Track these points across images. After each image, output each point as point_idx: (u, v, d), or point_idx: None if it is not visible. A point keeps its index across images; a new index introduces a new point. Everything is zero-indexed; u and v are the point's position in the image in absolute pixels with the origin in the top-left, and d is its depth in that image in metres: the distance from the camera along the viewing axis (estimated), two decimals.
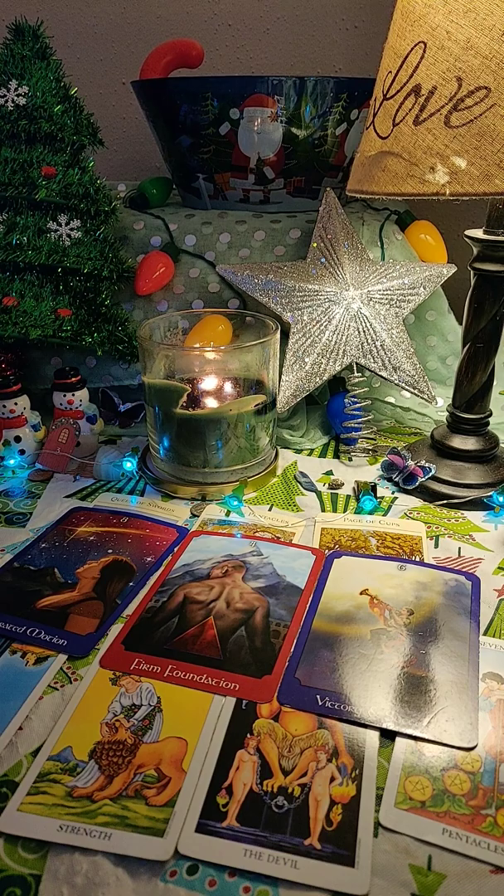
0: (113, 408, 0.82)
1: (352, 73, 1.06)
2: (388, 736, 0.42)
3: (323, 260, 0.77)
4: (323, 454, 0.78)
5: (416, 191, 0.52)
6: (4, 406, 0.74)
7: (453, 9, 0.49)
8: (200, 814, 0.37)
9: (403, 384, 0.74)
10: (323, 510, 0.67)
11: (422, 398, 0.75)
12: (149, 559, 0.59)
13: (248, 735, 0.42)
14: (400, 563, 0.58)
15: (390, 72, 0.54)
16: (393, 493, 0.70)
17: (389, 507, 0.67)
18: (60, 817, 0.37)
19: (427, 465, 0.68)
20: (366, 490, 0.67)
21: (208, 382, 0.71)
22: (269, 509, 0.68)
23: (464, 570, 0.57)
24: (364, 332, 0.74)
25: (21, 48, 0.71)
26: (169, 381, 0.68)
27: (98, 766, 0.40)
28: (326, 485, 0.71)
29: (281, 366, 0.73)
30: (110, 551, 0.60)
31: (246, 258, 0.81)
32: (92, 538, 0.62)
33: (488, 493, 0.65)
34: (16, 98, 0.71)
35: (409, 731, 0.42)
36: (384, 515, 0.66)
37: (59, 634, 0.50)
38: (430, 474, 0.68)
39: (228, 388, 0.72)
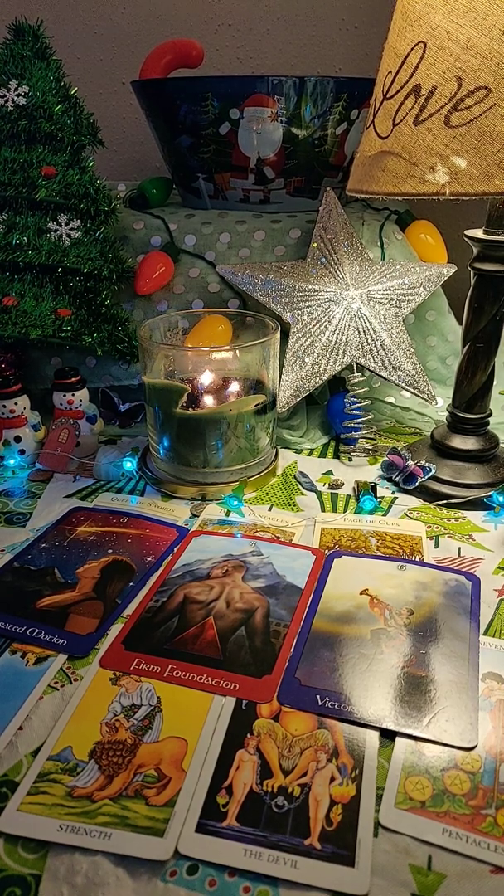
0: (113, 408, 0.82)
1: (352, 73, 1.06)
2: (388, 736, 0.42)
3: (323, 260, 0.77)
4: (323, 454, 0.78)
5: (416, 191, 0.52)
6: (4, 406, 0.74)
7: (453, 9, 0.49)
8: (200, 814, 0.37)
9: (403, 384, 0.74)
10: (323, 510, 0.67)
11: (422, 398, 0.75)
12: (149, 559, 0.59)
13: (248, 735, 0.42)
14: (400, 563, 0.58)
15: (390, 72, 0.54)
16: (393, 493, 0.70)
17: (389, 507, 0.67)
18: (60, 817, 0.37)
19: (427, 465, 0.68)
20: (366, 490, 0.67)
21: (208, 382, 0.71)
22: (269, 509, 0.68)
23: (464, 570, 0.57)
24: (364, 332, 0.74)
25: (21, 48, 0.71)
26: (169, 381, 0.68)
27: (98, 765, 0.40)
28: (326, 485, 0.71)
29: (281, 366, 0.73)
30: (110, 551, 0.60)
31: (246, 258, 0.81)
32: (92, 538, 0.62)
33: (488, 493, 0.65)
34: (16, 98, 0.71)
35: (409, 731, 0.42)
36: (384, 515, 0.66)
37: (59, 634, 0.50)
38: (430, 474, 0.68)
39: (228, 388, 0.72)
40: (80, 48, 1.10)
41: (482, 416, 0.68)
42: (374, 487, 0.68)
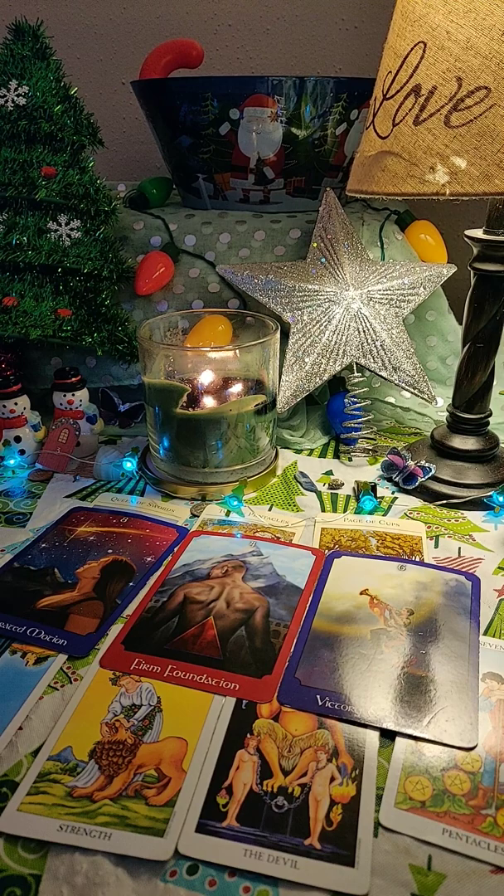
0: (113, 408, 0.82)
1: (352, 73, 1.06)
2: (388, 736, 0.42)
3: (323, 260, 0.77)
4: (323, 454, 0.78)
5: (416, 191, 0.52)
6: (4, 406, 0.74)
7: (453, 9, 0.49)
8: (200, 814, 0.37)
9: (403, 384, 0.74)
10: (323, 510, 0.67)
11: (422, 398, 0.75)
12: (149, 559, 0.59)
13: (248, 735, 0.42)
14: (400, 563, 0.58)
15: (390, 72, 0.54)
16: (393, 493, 0.70)
17: (389, 507, 0.67)
18: (60, 817, 0.37)
19: (427, 465, 0.68)
20: (366, 490, 0.67)
21: (208, 382, 0.71)
22: (269, 509, 0.68)
23: (464, 570, 0.57)
24: (364, 332, 0.74)
25: (21, 48, 0.71)
26: (169, 381, 0.68)
27: (98, 766, 0.40)
28: (326, 485, 0.71)
29: (281, 366, 0.73)
30: (110, 551, 0.60)
31: (246, 258, 0.81)
32: (92, 538, 0.62)
33: (488, 493, 0.65)
34: (16, 98, 0.71)
35: (409, 731, 0.42)
36: (384, 515, 0.66)
37: (59, 634, 0.50)
38: (430, 474, 0.68)
39: (228, 388, 0.72)
40: (80, 48, 1.10)
41: (482, 416, 0.68)
42: (374, 487, 0.68)
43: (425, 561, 0.59)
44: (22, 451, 0.74)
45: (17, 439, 0.74)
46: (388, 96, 0.54)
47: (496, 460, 0.69)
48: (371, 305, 0.76)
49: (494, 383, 0.67)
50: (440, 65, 0.50)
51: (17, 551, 0.60)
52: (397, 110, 0.53)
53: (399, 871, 0.35)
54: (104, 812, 0.37)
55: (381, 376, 0.74)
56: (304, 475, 0.72)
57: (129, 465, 0.72)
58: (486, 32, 0.48)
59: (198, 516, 0.66)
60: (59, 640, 0.49)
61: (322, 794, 0.38)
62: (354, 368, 0.75)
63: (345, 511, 0.67)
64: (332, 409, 0.80)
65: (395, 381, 0.74)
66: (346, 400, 0.76)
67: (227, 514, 0.66)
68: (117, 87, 1.12)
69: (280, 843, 0.36)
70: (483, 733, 0.42)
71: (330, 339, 0.74)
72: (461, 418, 0.68)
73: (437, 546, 0.61)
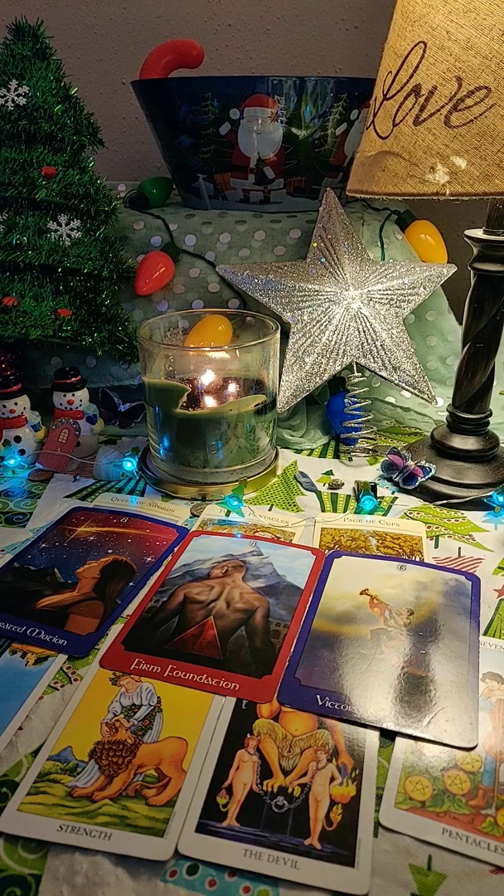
0: (113, 408, 0.82)
1: (352, 73, 1.06)
2: (388, 736, 0.42)
3: (323, 260, 0.77)
4: (323, 454, 0.78)
5: (416, 191, 0.52)
6: (4, 406, 0.74)
7: (453, 9, 0.49)
8: (200, 814, 0.37)
9: (403, 384, 0.74)
10: (323, 510, 0.67)
11: (422, 398, 0.75)
12: (149, 559, 0.59)
13: (248, 735, 0.42)
14: (400, 563, 0.58)
15: (390, 72, 0.54)
16: (393, 493, 0.70)
17: (389, 507, 0.67)
18: (60, 817, 0.37)
19: (427, 465, 0.68)
20: (366, 490, 0.67)
21: (208, 382, 0.71)
22: (269, 509, 0.68)
23: (464, 570, 0.57)
24: (364, 332, 0.74)
25: (21, 48, 0.71)
26: (169, 381, 0.68)
27: (98, 766, 0.40)
28: (326, 485, 0.71)
29: (281, 366, 0.73)
30: (110, 551, 0.60)
31: (246, 258, 0.81)
32: (92, 538, 0.62)
33: (488, 493, 0.65)
34: (16, 98, 0.71)
35: (409, 731, 0.42)
36: (384, 515, 0.66)
37: (59, 634, 0.50)
38: (430, 474, 0.68)
39: (228, 388, 0.72)
40: (80, 48, 1.10)
41: (482, 416, 0.68)
42: (374, 487, 0.68)
43: (425, 561, 0.59)
44: (22, 451, 0.74)
45: (17, 439, 0.74)
46: (388, 96, 0.54)
47: (496, 460, 0.69)
48: (371, 305, 0.76)
49: (494, 383, 0.67)
50: (440, 65, 0.50)
51: (17, 551, 0.60)
52: (397, 110, 0.53)
53: (399, 871, 0.35)
54: (104, 812, 0.37)
55: (381, 376, 0.74)
56: (304, 475, 0.72)
57: (129, 465, 0.72)
58: (486, 32, 0.48)
59: (198, 516, 0.66)
60: (59, 640, 0.49)
61: (322, 794, 0.38)
62: (354, 368, 0.75)
63: (345, 511, 0.67)
64: (332, 409, 0.80)
65: (395, 381, 0.74)
66: (346, 400, 0.76)
67: (227, 514, 0.66)
68: (117, 87, 1.12)
69: (280, 843, 0.36)
70: (483, 733, 0.42)
71: (330, 339, 0.74)
72: (461, 418, 0.68)
73: (437, 546, 0.61)
